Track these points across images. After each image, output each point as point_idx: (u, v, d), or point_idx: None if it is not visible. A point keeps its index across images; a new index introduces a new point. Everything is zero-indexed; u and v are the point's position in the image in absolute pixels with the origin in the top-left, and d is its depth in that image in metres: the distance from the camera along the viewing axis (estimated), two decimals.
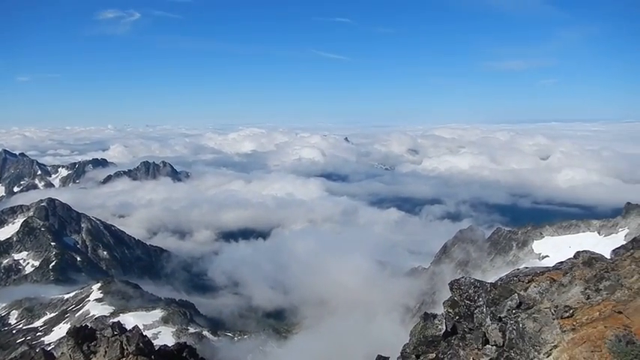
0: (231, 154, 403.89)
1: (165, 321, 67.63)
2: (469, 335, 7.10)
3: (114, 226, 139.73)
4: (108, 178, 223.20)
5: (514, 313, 5.33)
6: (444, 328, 8.42)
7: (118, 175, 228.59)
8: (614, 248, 6.53)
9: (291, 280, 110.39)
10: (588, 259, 5.03)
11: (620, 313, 3.89)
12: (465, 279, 8.90)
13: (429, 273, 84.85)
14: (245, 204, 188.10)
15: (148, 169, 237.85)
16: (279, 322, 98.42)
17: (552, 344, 3.94)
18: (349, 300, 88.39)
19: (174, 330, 65.04)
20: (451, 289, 8.70)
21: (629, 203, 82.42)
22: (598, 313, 3.99)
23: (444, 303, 8.67)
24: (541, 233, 76.15)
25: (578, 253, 7.20)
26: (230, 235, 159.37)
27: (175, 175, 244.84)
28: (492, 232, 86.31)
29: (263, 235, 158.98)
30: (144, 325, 59.81)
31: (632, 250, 4.53)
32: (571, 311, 4.12)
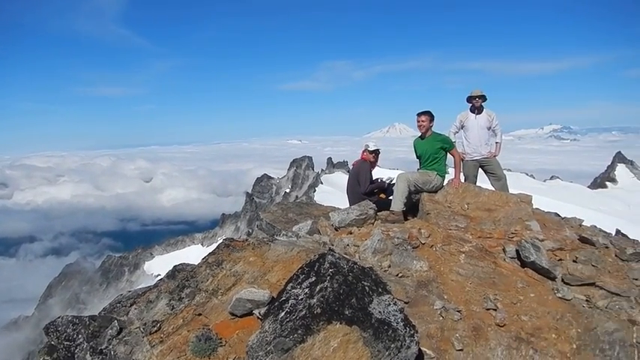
0: None
1: None
2: None
3: None
4: None
5: (113, 342, 5.18)
6: None
7: None
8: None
9: None
10: (172, 271, 5.40)
11: (199, 315, 4.28)
12: (62, 318, 8.15)
13: (34, 320, 75.09)
14: None
15: None
16: None
17: None
18: None
19: None
20: (47, 333, 7.81)
21: (224, 214, 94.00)
22: (182, 320, 4.28)
23: (39, 352, 7.74)
24: (151, 253, 78.51)
25: (174, 267, 7.65)
26: None
27: None
28: (102, 260, 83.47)
29: None
30: None
31: (207, 256, 5.09)
32: (158, 325, 4.29)
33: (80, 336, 7.16)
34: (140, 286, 7.48)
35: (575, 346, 4.61)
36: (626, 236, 7.57)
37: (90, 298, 74.05)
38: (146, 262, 76.84)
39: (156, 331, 4.22)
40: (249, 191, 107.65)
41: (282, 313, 3.58)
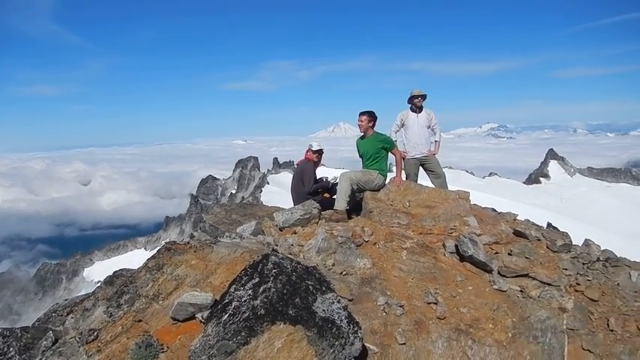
0: None
1: None
2: None
3: None
4: None
5: (47, 354, 4.94)
6: None
7: None
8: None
9: None
10: (110, 277, 5.22)
11: (139, 321, 4.15)
12: None
13: None
14: None
15: None
16: None
17: None
18: None
19: None
20: None
21: (167, 217, 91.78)
22: (121, 327, 4.14)
23: None
24: (91, 259, 75.57)
25: (114, 272, 7.39)
26: None
27: None
28: (38, 268, 79.43)
29: None
30: None
31: (147, 260, 4.95)
32: (95, 333, 4.13)
33: (11, 349, 6.78)
34: (80, 294, 7.17)
35: (510, 335, 4.82)
36: (557, 229, 7.98)
37: (24, 308, 70.29)
38: (85, 269, 73.82)
39: (93, 340, 4.06)
40: (194, 193, 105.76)
41: (225, 316, 3.53)
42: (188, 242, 5.26)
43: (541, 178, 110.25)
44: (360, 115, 7.67)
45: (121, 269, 7.64)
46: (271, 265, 3.82)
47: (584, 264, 6.08)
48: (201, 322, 3.92)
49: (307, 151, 8.31)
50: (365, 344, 3.97)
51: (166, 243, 5.26)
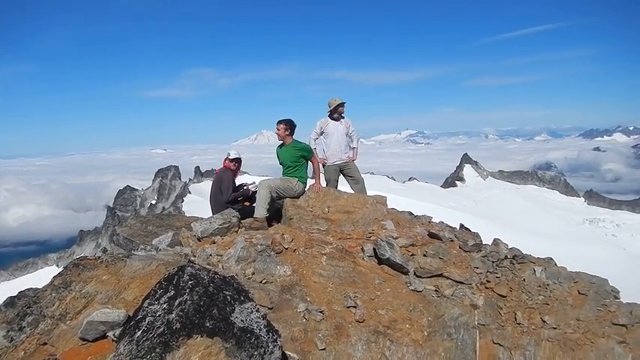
0: None
1: None
2: None
3: None
4: None
5: None
6: None
7: None
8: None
9: None
10: (10, 298, 4.86)
11: (44, 344, 3.88)
12: None
13: None
14: None
15: None
16: None
17: None
18: None
19: None
20: None
21: (82, 230, 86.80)
22: (23, 352, 3.84)
23: None
24: None
25: (20, 293, 6.87)
26: None
27: None
28: None
29: None
30: None
31: (53, 278, 4.66)
32: None
33: None
34: None
35: (426, 334, 5.01)
36: (469, 230, 8.42)
37: None
38: None
39: None
40: (111, 205, 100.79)
41: (139, 332, 3.39)
42: (99, 257, 5.01)
43: (457, 182, 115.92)
44: (277, 124, 7.72)
45: (26, 289, 7.14)
46: (187, 277, 3.72)
47: (493, 262, 6.46)
48: (113, 340, 3.73)
49: (225, 160, 8.20)
50: (285, 352, 3.96)
51: (75, 259, 4.97)
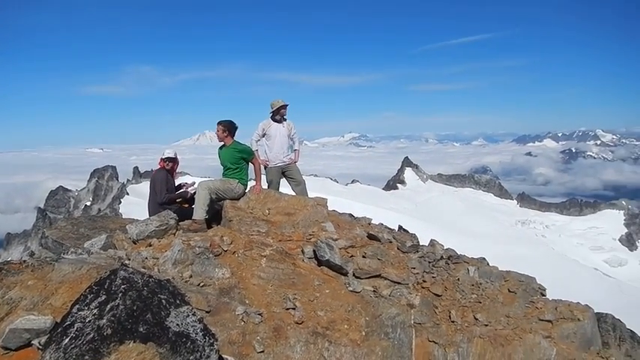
0: None
1: None
2: None
3: None
4: None
5: None
6: None
7: None
8: None
9: None
10: None
11: None
12: None
13: None
14: None
15: None
16: None
17: None
18: None
19: None
20: None
21: (9, 233, 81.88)
22: None
23: None
24: None
25: None
26: None
27: None
28: None
29: None
30: None
31: None
32: None
33: None
34: None
35: (364, 333, 5.10)
36: (407, 231, 8.64)
37: None
38: None
39: None
40: (42, 206, 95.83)
41: (67, 340, 3.25)
42: (25, 261, 4.74)
43: (398, 184, 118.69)
44: (217, 125, 7.64)
45: None
46: (120, 281, 3.60)
47: (429, 262, 6.66)
48: (38, 349, 3.56)
49: (160, 160, 8.01)
50: (222, 356, 3.91)
51: None
